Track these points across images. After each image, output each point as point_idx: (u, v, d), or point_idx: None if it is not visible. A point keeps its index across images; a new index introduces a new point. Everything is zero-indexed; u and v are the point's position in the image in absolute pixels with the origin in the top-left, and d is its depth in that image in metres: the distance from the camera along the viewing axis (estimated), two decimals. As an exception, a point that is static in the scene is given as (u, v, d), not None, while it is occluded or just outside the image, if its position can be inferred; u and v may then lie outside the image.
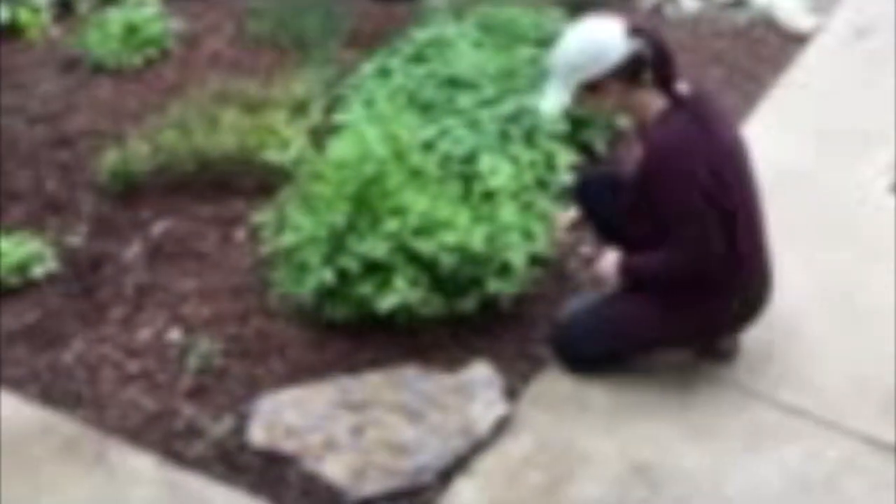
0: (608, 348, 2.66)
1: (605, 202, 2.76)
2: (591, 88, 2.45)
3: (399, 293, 2.62)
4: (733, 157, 2.49)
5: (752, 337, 2.74)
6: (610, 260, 2.64)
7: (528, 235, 2.83)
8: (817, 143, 3.74)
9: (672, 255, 2.48)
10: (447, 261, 2.64)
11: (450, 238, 2.65)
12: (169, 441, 2.49)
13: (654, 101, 2.45)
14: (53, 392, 2.63)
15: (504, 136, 3.25)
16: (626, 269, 2.59)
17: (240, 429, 2.51)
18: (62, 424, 2.53)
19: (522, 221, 2.84)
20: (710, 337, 2.68)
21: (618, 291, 2.66)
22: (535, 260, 2.87)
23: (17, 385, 2.64)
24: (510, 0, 4.12)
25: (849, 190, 3.47)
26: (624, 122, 3.32)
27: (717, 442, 2.51)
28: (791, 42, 4.53)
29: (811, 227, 3.28)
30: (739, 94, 3.92)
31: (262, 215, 2.99)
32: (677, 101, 2.44)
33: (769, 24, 4.66)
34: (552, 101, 2.48)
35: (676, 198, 2.42)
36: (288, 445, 2.44)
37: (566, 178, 3.15)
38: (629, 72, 2.41)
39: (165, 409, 2.58)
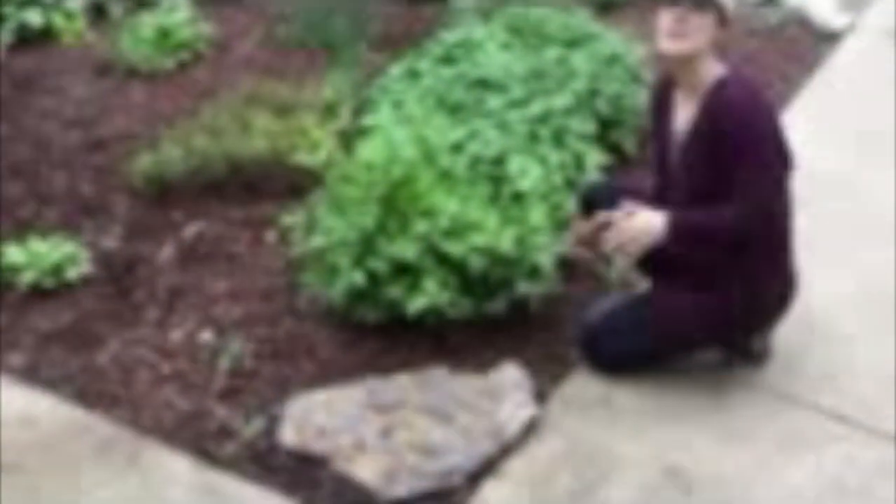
0: (637, 349, 2.64)
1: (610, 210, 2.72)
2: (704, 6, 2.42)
3: (428, 295, 2.62)
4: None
5: (787, 339, 2.71)
6: (652, 220, 2.43)
7: (557, 237, 2.82)
8: (851, 143, 3.70)
9: (741, 208, 2.42)
10: (476, 263, 2.65)
11: (479, 240, 2.65)
12: (202, 441, 2.51)
13: (713, 63, 2.48)
14: (88, 393, 2.66)
15: (533, 138, 3.25)
16: (681, 228, 2.42)
17: (271, 430, 2.53)
18: (97, 425, 2.56)
19: (551, 223, 2.83)
20: (742, 331, 2.65)
21: (645, 291, 2.63)
22: (564, 261, 2.87)
23: (53, 386, 2.67)
24: (538, 1, 4.11)
25: (885, 190, 3.43)
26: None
27: (750, 446, 2.49)
28: (823, 41, 4.49)
29: (847, 228, 3.24)
30: (772, 94, 3.89)
31: (293, 218, 3.00)
32: (731, 70, 2.49)
33: (802, 22, 4.62)
34: None
35: (758, 149, 2.41)
36: (319, 446, 2.46)
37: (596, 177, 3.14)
38: (724, 17, 2.46)
39: (198, 409, 2.60)
